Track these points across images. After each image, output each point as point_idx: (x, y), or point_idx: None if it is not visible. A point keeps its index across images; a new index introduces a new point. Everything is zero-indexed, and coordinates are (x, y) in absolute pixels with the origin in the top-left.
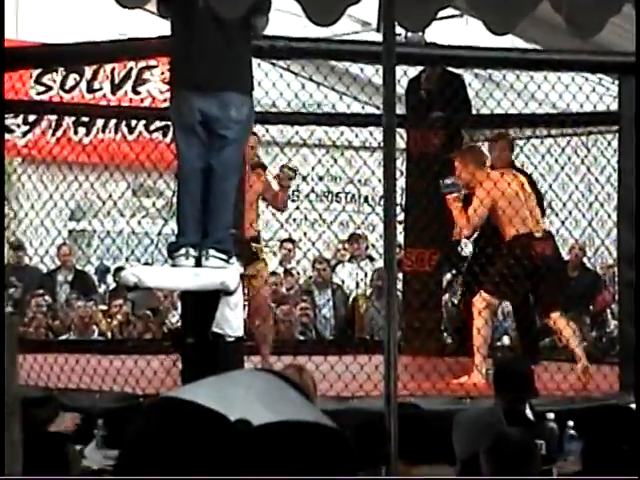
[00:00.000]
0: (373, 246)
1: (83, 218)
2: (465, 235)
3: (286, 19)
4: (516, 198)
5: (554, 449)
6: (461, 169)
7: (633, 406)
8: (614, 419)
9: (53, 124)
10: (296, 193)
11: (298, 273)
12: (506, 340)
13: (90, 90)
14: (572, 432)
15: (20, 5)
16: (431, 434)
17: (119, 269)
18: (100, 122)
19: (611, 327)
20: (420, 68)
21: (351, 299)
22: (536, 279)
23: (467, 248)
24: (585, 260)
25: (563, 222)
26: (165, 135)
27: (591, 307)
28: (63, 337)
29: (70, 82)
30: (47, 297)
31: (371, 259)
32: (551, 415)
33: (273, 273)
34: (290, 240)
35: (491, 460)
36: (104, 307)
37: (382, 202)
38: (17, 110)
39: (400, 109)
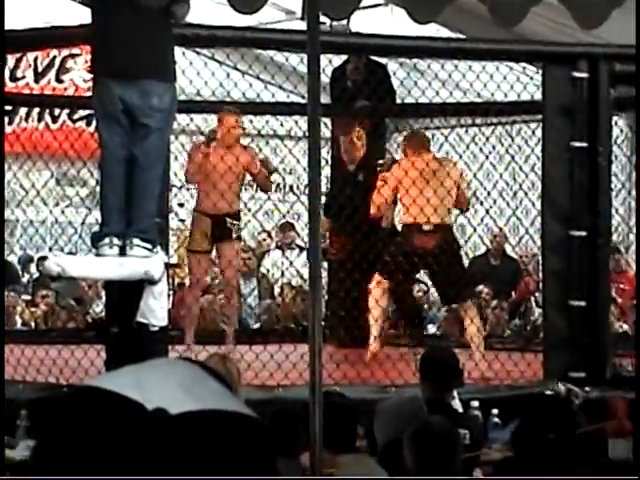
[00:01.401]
0: (298, 235)
1: (6, 207)
2: (371, 215)
3: (210, 7)
4: (413, 185)
5: (479, 437)
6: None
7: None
8: (541, 407)
9: None
10: None
11: None
12: (432, 328)
13: (13, 79)
14: (496, 420)
15: None
16: (355, 423)
17: (42, 258)
18: (23, 111)
19: (535, 315)
20: (345, 57)
21: (277, 288)
22: (429, 269)
23: None
24: (509, 249)
25: (487, 211)
26: (89, 124)
27: (513, 295)
28: None
29: None
30: None
31: (300, 248)
32: (475, 403)
33: None
34: None
35: (413, 447)
36: (27, 297)
37: (307, 191)
38: None
39: (325, 98)
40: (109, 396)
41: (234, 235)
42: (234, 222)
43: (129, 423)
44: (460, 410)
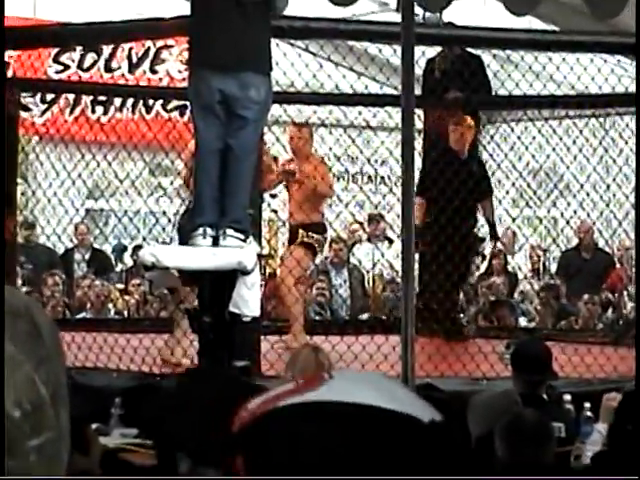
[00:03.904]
0: (390, 227)
1: (101, 197)
2: None
3: None
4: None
5: (572, 431)
6: None
7: None
8: (633, 402)
9: (71, 103)
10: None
11: None
12: (523, 321)
13: (108, 69)
14: (588, 414)
15: None
16: (447, 415)
17: (137, 247)
18: (117, 101)
19: (628, 309)
20: (439, 49)
21: (368, 279)
22: None
23: (483, 229)
24: (602, 242)
25: (580, 204)
26: (182, 115)
27: (605, 288)
28: (80, 315)
29: (88, 61)
30: (63, 276)
31: (389, 240)
32: (568, 397)
33: None
34: None
35: (505, 439)
36: (121, 286)
37: (399, 183)
38: (35, 89)
39: (418, 90)
40: (387, 414)
41: (299, 240)
42: (309, 233)
43: (417, 438)
44: (547, 401)
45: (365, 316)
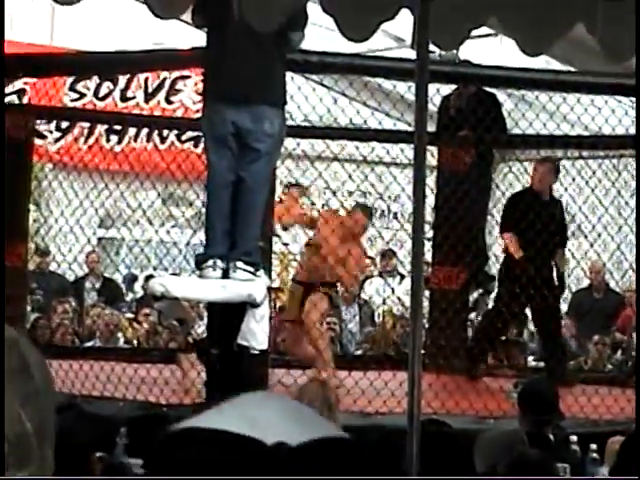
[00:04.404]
0: (401, 263)
1: (112, 226)
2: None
3: (318, 33)
4: None
5: (576, 472)
6: None
7: None
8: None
9: (85, 131)
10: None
11: None
12: (532, 361)
13: (123, 98)
14: (594, 455)
15: (56, 12)
16: (455, 453)
17: (148, 277)
18: (132, 131)
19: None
20: (454, 86)
21: (378, 314)
22: None
23: (494, 267)
24: (612, 282)
25: (592, 244)
26: (196, 145)
27: (616, 330)
28: (89, 344)
29: (104, 90)
30: (74, 303)
31: (401, 276)
32: (574, 438)
33: None
34: None
35: (508, 477)
36: (131, 315)
37: (411, 219)
38: (50, 116)
39: (432, 126)
40: (226, 436)
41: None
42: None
43: (252, 461)
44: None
45: (373, 351)
